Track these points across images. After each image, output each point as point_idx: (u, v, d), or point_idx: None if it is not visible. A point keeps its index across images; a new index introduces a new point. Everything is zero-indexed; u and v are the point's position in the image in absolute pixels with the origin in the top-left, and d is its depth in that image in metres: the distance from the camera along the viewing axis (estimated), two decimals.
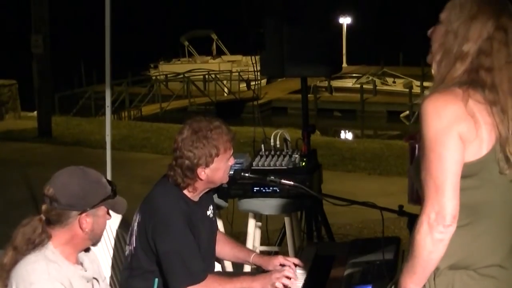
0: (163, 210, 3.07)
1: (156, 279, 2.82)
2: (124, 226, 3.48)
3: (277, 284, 3.01)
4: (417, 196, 2.22)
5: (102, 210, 2.63)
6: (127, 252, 3.20)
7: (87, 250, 2.75)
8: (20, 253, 2.57)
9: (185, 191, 3.15)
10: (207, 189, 3.22)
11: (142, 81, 29.26)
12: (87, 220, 2.60)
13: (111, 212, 2.70)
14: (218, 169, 3.12)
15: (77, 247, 2.65)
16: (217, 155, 3.08)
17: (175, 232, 3.04)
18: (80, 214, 2.59)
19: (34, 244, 2.57)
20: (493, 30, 2.16)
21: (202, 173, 3.08)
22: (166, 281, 3.07)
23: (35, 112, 13.72)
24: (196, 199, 3.20)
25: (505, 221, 2.24)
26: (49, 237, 2.59)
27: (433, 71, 2.24)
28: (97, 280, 2.76)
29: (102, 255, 3.43)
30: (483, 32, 2.16)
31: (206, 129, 3.07)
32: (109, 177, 5.60)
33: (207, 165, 3.07)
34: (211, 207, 3.34)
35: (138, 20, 47.21)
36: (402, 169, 9.26)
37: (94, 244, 2.72)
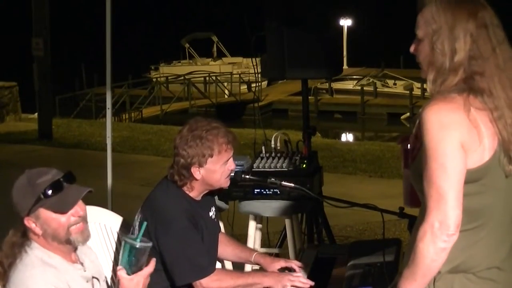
0: (165, 208, 3.08)
1: (145, 223, 2.79)
2: (125, 228, 3.47)
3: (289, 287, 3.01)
4: (412, 199, 2.22)
5: (42, 212, 2.55)
6: None
7: (81, 252, 2.72)
8: (10, 257, 2.57)
9: (186, 190, 3.15)
10: (206, 191, 3.21)
11: (143, 83, 29.25)
12: (34, 225, 2.56)
13: (109, 212, 2.67)
14: (214, 171, 3.10)
15: (57, 249, 2.61)
16: (210, 156, 3.06)
17: (177, 229, 3.04)
18: (24, 219, 2.56)
19: (19, 245, 2.58)
20: (475, 29, 2.15)
21: (197, 172, 3.07)
22: (172, 279, 3.07)
23: (36, 114, 13.73)
24: (198, 198, 3.19)
25: (504, 224, 2.24)
26: (29, 238, 2.59)
27: (428, 89, 2.23)
28: (98, 280, 2.75)
29: (103, 256, 3.43)
30: (467, 38, 2.15)
31: (202, 129, 3.06)
32: (109, 179, 5.61)
33: (200, 165, 3.06)
34: (213, 208, 3.34)
35: (139, 22, 47.22)
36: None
37: (69, 243, 2.61)
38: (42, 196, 2.54)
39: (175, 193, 3.13)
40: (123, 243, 2.51)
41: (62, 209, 2.56)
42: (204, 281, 3.03)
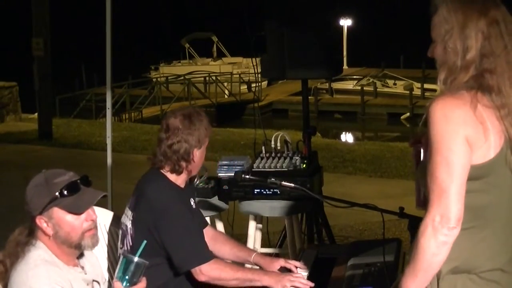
0: (162, 200, 3.12)
1: (145, 241, 2.80)
2: (119, 224, 3.45)
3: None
4: (425, 200, 2.22)
5: (56, 212, 2.56)
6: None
7: (82, 254, 2.72)
8: (13, 256, 2.56)
9: (173, 179, 3.22)
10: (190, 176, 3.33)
11: (143, 83, 29.24)
12: (46, 225, 2.56)
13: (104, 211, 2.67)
14: (204, 149, 3.27)
15: (64, 252, 2.61)
16: (209, 132, 3.26)
17: (176, 216, 3.09)
18: (36, 218, 2.56)
19: (22, 244, 2.58)
20: (486, 27, 2.16)
21: (197, 154, 3.21)
22: (175, 267, 3.09)
23: (36, 114, 13.72)
24: (183, 186, 3.28)
25: (508, 225, 2.24)
26: (35, 238, 2.59)
27: (438, 89, 2.24)
28: (98, 283, 2.75)
29: (102, 256, 3.42)
30: (478, 35, 2.16)
31: (194, 112, 3.25)
32: (109, 179, 5.61)
33: (201, 145, 3.22)
34: (193, 199, 3.41)
35: (139, 23, 47.23)
36: (403, 171, 9.26)
37: (78, 248, 2.63)
38: (58, 195, 2.55)
39: (165, 183, 3.20)
40: (121, 257, 2.52)
41: (76, 210, 2.58)
42: (204, 268, 3.05)
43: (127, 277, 2.48)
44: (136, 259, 2.49)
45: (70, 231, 2.58)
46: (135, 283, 2.49)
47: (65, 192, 2.56)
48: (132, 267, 2.48)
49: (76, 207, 2.58)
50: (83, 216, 2.59)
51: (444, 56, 2.20)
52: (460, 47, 2.17)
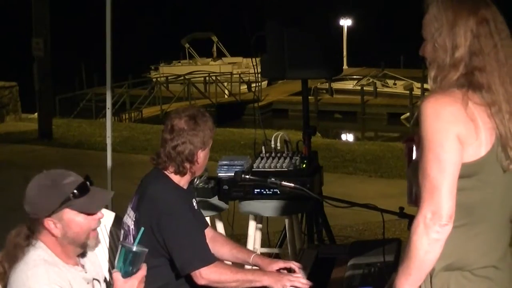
0: (164, 199, 3.13)
1: (143, 228, 2.79)
2: (119, 224, 3.46)
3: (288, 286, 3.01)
4: (416, 198, 2.23)
5: (67, 213, 2.55)
6: None
7: (82, 253, 2.73)
8: (12, 257, 2.56)
9: (177, 180, 3.22)
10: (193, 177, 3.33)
11: (143, 83, 29.26)
12: (54, 226, 2.55)
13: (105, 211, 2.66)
14: (208, 151, 3.26)
15: (67, 252, 2.61)
16: (210, 136, 3.24)
17: (180, 218, 3.09)
18: (44, 220, 2.55)
19: (21, 245, 2.57)
20: (476, 26, 2.18)
21: (201, 155, 3.20)
22: (176, 269, 3.09)
23: (36, 114, 13.72)
24: (186, 187, 3.28)
25: (501, 222, 2.25)
26: (36, 238, 2.58)
27: (429, 86, 2.25)
28: (98, 281, 2.76)
29: (103, 256, 3.42)
30: (467, 34, 2.18)
31: (199, 113, 3.23)
32: (109, 179, 5.61)
33: (205, 147, 3.21)
34: (193, 200, 3.40)
35: (139, 22, 47.22)
36: (403, 171, 9.22)
37: (83, 247, 2.63)
38: (71, 196, 2.54)
39: (169, 184, 3.20)
40: (119, 247, 2.51)
41: (90, 210, 2.58)
42: (204, 271, 3.05)
43: (126, 267, 2.47)
44: (134, 248, 2.47)
45: (79, 231, 2.58)
46: (135, 272, 2.49)
47: (78, 193, 2.56)
48: (131, 257, 2.47)
49: (90, 207, 2.58)
50: (92, 216, 2.60)
51: (434, 54, 2.22)
52: (449, 44, 2.19)
